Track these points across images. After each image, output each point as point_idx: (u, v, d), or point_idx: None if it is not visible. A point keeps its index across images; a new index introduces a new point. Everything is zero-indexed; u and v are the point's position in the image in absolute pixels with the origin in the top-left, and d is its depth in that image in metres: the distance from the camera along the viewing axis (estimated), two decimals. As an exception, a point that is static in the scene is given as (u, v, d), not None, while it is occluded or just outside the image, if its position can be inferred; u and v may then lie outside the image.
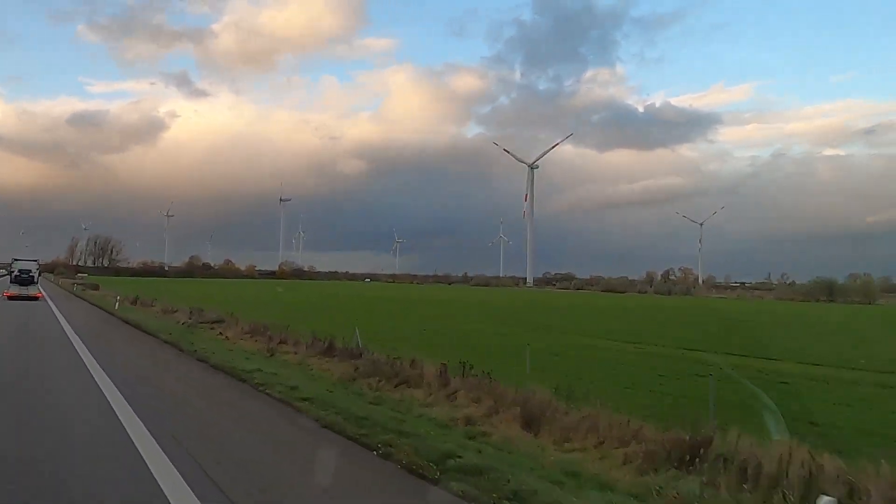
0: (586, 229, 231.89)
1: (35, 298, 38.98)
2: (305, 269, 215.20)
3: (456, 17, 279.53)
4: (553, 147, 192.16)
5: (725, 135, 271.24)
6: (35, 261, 45.38)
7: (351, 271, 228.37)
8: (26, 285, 39.92)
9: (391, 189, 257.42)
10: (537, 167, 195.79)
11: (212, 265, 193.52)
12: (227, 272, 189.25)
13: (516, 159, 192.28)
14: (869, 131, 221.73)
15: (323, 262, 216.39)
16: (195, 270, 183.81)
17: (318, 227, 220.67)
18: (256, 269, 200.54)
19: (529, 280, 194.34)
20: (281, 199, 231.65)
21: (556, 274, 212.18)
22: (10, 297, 37.87)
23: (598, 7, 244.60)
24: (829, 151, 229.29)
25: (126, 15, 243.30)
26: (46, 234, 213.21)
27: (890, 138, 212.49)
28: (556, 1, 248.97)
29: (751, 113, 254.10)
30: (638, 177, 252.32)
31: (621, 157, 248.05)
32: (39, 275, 44.93)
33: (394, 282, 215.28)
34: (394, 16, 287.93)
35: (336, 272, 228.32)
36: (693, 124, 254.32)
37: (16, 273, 41.35)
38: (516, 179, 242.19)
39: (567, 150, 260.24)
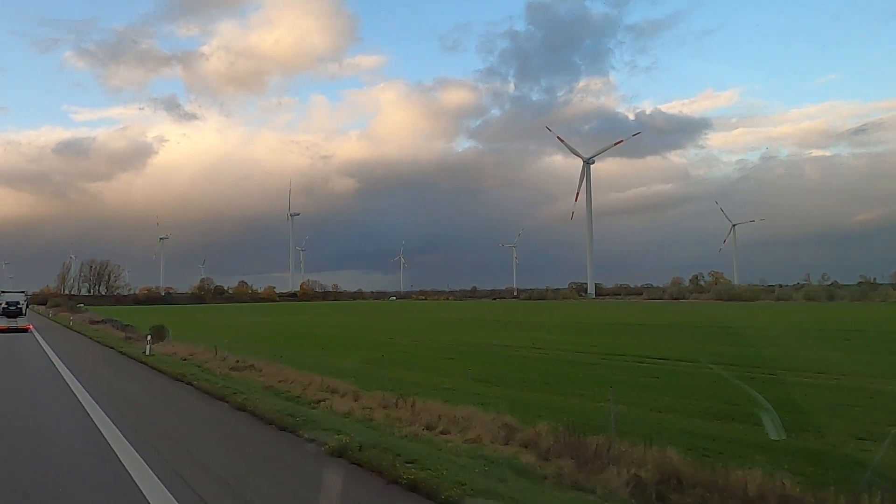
0: (578, 238, 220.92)
1: (24, 330, 35.84)
2: (330, 289, 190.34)
3: (448, 32, 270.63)
4: (616, 144, 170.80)
5: (713, 140, 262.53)
6: (23, 292, 44.65)
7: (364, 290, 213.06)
8: (14, 317, 37.98)
9: (382, 206, 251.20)
10: (593, 162, 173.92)
11: (225, 289, 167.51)
12: (244, 296, 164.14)
13: (571, 151, 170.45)
14: (857, 131, 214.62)
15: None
16: (206, 295, 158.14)
17: (309, 246, 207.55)
18: (276, 290, 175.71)
19: (591, 290, 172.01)
20: (290, 215, 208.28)
21: (583, 283, 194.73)
22: None
23: (591, 16, 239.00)
24: (815, 153, 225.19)
25: (113, 40, 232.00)
26: (34, 265, 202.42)
27: (876, 137, 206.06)
28: (549, 10, 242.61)
29: (737, 118, 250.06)
30: (629, 185, 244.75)
31: (612, 166, 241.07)
32: (27, 306, 43.79)
33: (425, 299, 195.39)
34: (385, 33, 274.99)
35: (361, 291, 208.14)
36: (683, 131, 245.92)
37: (3, 305, 39.47)
38: (509, 192, 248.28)
39: (558, 160, 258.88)
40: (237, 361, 17.38)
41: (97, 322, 46.86)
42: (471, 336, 33.11)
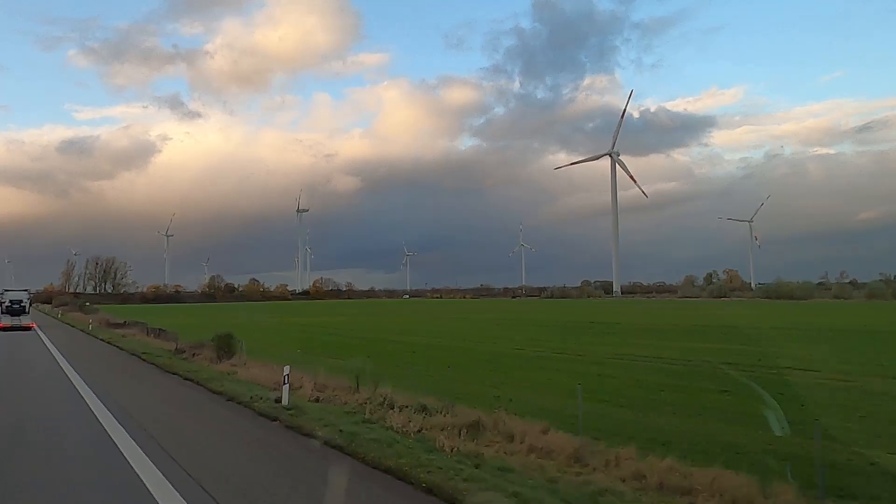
0: (579, 237, 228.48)
1: (27, 328, 35.61)
2: (343, 287, 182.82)
3: (453, 29, 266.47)
4: (631, 178, 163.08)
5: (717, 138, 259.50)
6: (25, 290, 45.22)
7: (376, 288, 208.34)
8: (17, 315, 37.46)
9: (384, 205, 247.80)
10: (618, 154, 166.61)
11: (236, 287, 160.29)
12: (255, 294, 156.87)
13: (613, 140, 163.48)
14: (863, 129, 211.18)
15: (314, 280, 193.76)
16: (217, 293, 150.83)
17: (313, 244, 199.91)
18: (289, 288, 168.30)
19: (616, 288, 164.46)
20: (298, 210, 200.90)
21: (595, 282, 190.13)
22: (2, 329, 34.85)
23: (598, 13, 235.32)
24: (819, 150, 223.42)
25: (117, 38, 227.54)
26: (37, 264, 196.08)
27: (881, 136, 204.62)
28: (555, 8, 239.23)
29: (741, 116, 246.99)
30: (632, 183, 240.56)
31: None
32: (30, 304, 43.50)
33: (440, 297, 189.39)
34: (389, 30, 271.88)
35: (374, 289, 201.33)
36: (687, 129, 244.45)
37: (6, 304, 39.13)
38: (511, 190, 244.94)
39: (561, 158, 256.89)
40: (424, 411, 9.95)
41: (118, 325, 39.43)
42: (615, 346, 25.79)
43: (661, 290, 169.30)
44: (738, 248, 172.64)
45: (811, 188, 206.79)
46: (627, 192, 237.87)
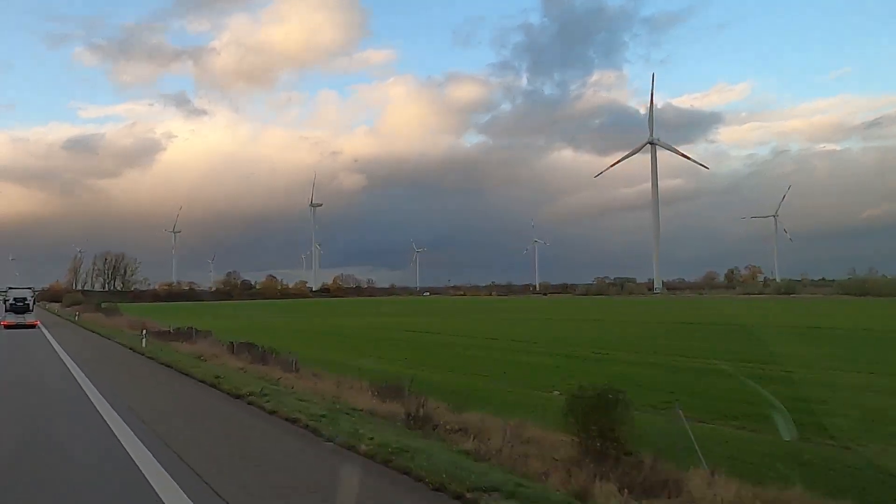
0: (579, 236, 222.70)
1: (32, 326, 36.82)
2: (364, 285, 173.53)
3: (461, 25, 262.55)
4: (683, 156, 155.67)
5: (724, 134, 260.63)
6: (30, 288, 43.98)
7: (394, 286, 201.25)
8: (22, 313, 38.38)
9: (389, 202, 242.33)
10: (657, 141, 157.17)
11: (253, 284, 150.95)
12: (273, 292, 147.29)
13: (648, 123, 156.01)
14: (871, 125, 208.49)
15: (322, 277, 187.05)
16: (234, 290, 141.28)
17: (320, 241, 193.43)
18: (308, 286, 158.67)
19: (658, 284, 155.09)
20: (311, 204, 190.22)
21: (616, 278, 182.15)
22: (7, 326, 36.38)
23: (607, 8, 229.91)
24: (827, 147, 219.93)
25: (123, 36, 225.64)
26: (42, 262, 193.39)
27: (889, 132, 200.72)
28: (565, 3, 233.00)
29: (747, 112, 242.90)
30: (638, 180, 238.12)
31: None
32: (35, 302, 43.89)
33: (464, 295, 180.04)
34: (396, 26, 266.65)
35: (393, 286, 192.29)
36: (694, 125, 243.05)
37: (11, 301, 39.44)
38: (514, 188, 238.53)
39: (567, 155, 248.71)
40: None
41: (166, 334, 29.02)
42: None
43: (705, 286, 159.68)
44: (742, 246, 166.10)
45: (818, 185, 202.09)
46: (632, 190, 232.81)
